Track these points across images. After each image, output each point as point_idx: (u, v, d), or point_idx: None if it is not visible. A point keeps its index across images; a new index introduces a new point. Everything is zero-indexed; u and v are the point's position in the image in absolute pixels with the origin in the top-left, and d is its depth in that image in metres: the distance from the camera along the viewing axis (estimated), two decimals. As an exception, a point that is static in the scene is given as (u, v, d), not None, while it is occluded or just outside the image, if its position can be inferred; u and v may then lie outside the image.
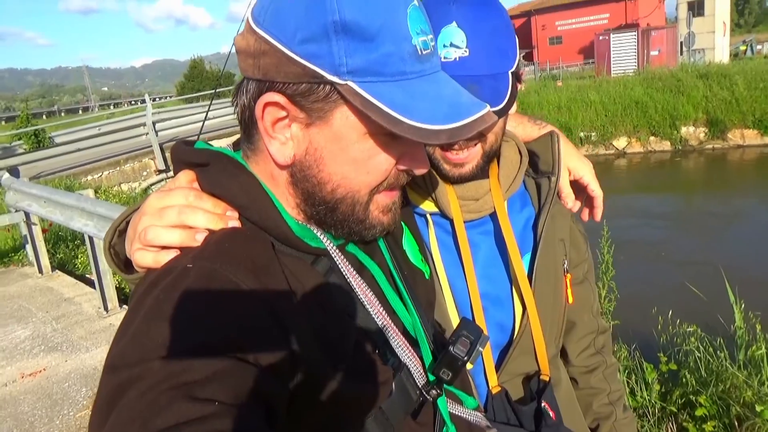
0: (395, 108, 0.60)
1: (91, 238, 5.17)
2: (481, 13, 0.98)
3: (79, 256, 7.37)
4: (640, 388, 3.06)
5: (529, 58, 49.91)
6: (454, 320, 1.11)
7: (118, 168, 13.40)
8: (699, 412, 2.77)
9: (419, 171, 0.71)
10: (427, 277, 0.93)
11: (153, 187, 13.52)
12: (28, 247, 7.06)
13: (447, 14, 0.96)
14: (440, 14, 0.96)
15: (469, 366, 1.09)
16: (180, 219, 0.68)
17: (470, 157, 1.05)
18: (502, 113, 0.96)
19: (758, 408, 2.65)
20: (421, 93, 0.63)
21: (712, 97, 18.01)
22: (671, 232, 10.90)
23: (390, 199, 0.74)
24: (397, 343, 0.76)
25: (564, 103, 19.40)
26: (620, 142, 18.58)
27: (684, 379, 3.10)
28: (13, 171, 8.66)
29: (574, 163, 1.23)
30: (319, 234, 0.72)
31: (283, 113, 0.65)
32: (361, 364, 0.71)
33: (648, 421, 2.90)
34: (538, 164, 1.21)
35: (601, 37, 26.95)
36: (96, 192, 10.61)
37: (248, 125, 0.70)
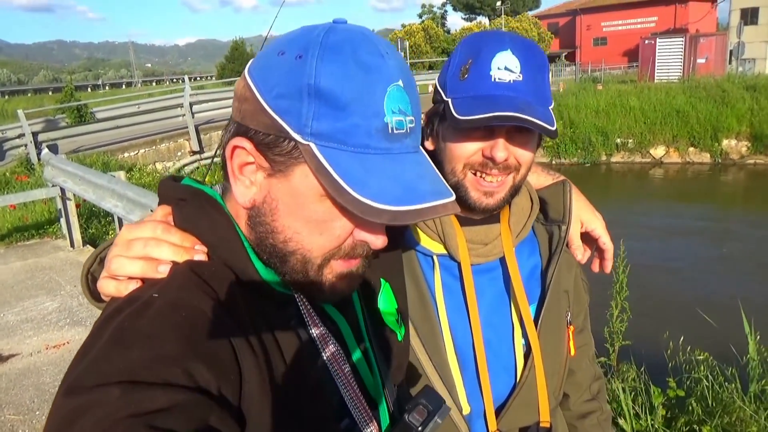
0: (346, 178, 0.61)
1: (120, 219, 5.33)
2: (531, 48, 1.04)
3: (110, 233, 7.61)
4: (645, 412, 3.04)
5: (571, 58, 48.96)
6: (453, 367, 1.12)
7: (154, 147, 13.70)
8: (702, 443, 2.74)
9: (376, 245, 0.70)
10: (399, 339, 0.91)
11: (186, 167, 13.80)
12: (62, 221, 7.32)
13: (502, 42, 1.02)
14: (495, 40, 1.03)
15: (465, 411, 1.10)
16: (145, 251, 0.70)
17: (502, 186, 1.06)
18: (555, 135, 1.00)
19: (762, 444, 2.61)
20: (379, 170, 0.63)
21: (759, 110, 17.41)
22: (695, 250, 10.63)
23: (347, 268, 0.72)
24: (354, 404, 0.75)
25: (602, 108, 18.99)
26: (658, 151, 18.14)
27: (690, 407, 3.06)
28: (53, 147, 8.96)
29: (587, 216, 1.24)
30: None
31: (251, 159, 0.68)
32: (311, 419, 0.70)
33: (649, 446, 2.89)
34: (549, 212, 1.22)
35: (646, 41, 26.24)
36: (131, 170, 10.92)
37: (225, 163, 0.72)
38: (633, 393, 3.19)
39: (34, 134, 12.12)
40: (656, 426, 2.95)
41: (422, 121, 1.16)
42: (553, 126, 0.99)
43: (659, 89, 20.17)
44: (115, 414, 0.52)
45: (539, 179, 1.27)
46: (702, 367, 3.25)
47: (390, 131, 0.64)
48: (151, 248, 0.70)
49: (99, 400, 0.53)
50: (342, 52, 0.63)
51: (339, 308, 0.80)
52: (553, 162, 18.53)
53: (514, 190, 1.09)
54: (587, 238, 1.25)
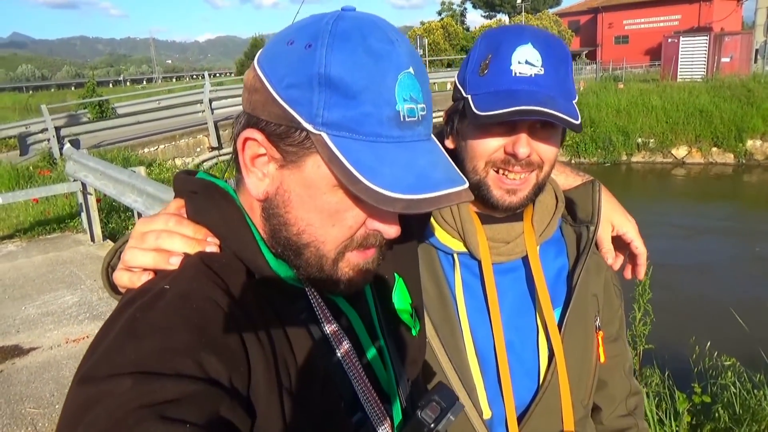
0: (358, 167, 0.61)
1: (140, 214, 5.37)
2: (551, 41, 1.01)
3: (130, 227, 7.67)
4: (669, 418, 2.97)
5: (592, 56, 48.46)
6: (474, 369, 1.09)
7: (173, 143, 13.82)
8: (728, 451, 2.67)
9: (389, 234, 0.69)
10: (414, 334, 0.90)
11: (205, 163, 13.90)
12: (83, 216, 7.41)
13: (522, 35, 1.00)
14: (515, 35, 1.00)
15: (486, 416, 1.07)
16: (157, 243, 0.71)
17: (525, 184, 1.03)
18: (579, 128, 0.97)
19: (792, 454, 2.54)
20: (391, 158, 0.62)
21: (785, 110, 17.05)
22: (721, 252, 10.44)
23: (362, 259, 0.71)
24: (367, 398, 0.75)
25: (624, 107, 18.76)
26: (680, 151, 17.86)
27: (716, 414, 2.99)
28: (75, 142, 9.08)
29: (619, 219, 1.20)
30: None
31: (262, 150, 0.68)
32: (320, 414, 0.70)
33: (674, 453, 2.82)
34: (577, 213, 1.18)
35: (669, 40, 25.81)
36: (150, 165, 11.03)
37: (236, 155, 0.72)
38: (657, 398, 3.13)
39: (57, 129, 12.30)
40: (681, 433, 2.89)
41: (442, 119, 1.14)
42: (577, 120, 0.96)
43: (682, 88, 19.85)
44: (127, 404, 0.53)
45: (568, 180, 1.24)
46: (729, 373, 3.17)
47: (402, 119, 0.64)
48: (163, 240, 0.71)
49: (111, 390, 0.54)
50: (351, 39, 0.62)
51: (352, 303, 0.79)
52: (573, 161, 18.33)
53: (538, 188, 1.05)
54: (619, 243, 1.21)
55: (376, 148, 0.62)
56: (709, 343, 3.39)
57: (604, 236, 1.18)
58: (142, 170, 5.83)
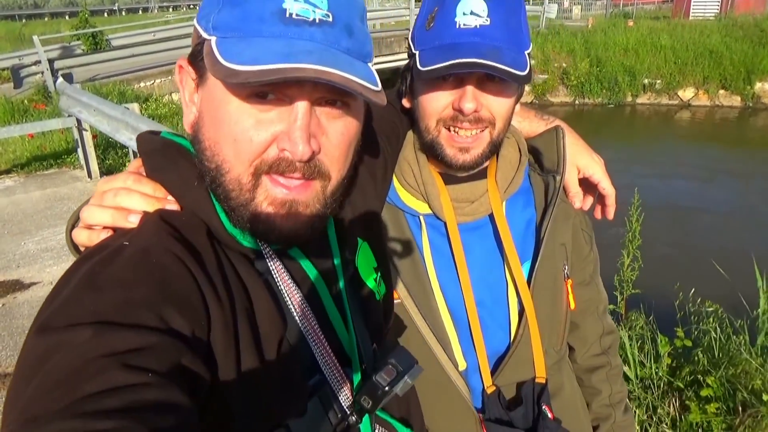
0: (225, 55, 0.61)
1: (135, 153, 5.34)
2: None
3: (126, 164, 7.63)
4: (650, 360, 3.06)
5: (602, -9, 46.63)
6: (448, 325, 1.11)
7: (169, 77, 13.53)
8: (704, 393, 2.76)
9: (295, 154, 0.65)
10: (378, 299, 0.89)
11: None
12: (80, 152, 7.37)
13: None
14: None
15: (461, 367, 1.10)
16: (115, 201, 0.71)
17: (477, 141, 1.03)
18: (524, 80, 0.96)
19: (765, 397, 2.63)
20: (265, 46, 0.61)
21: (798, 51, 16.58)
22: (714, 198, 10.41)
23: (285, 194, 0.68)
24: (325, 361, 0.75)
25: (632, 46, 18.20)
26: (686, 93, 17.49)
27: (696, 358, 3.08)
28: (68, 76, 8.88)
29: (585, 161, 1.19)
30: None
31: (191, 83, 0.71)
32: (277, 375, 0.69)
33: (652, 393, 2.92)
34: (543, 162, 1.17)
35: (684, -26, 24.80)
36: (147, 100, 10.85)
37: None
38: (640, 341, 3.21)
39: (51, 61, 12.00)
40: (660, 374, 2.98)
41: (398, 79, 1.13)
42: (523, 71, 0.94)
43: (694, 27, 19.23)
44: (88, 353, 0.52)
45: (532, 125, 1.22)
46: (712, 319, 3.24)
47: (287, 15, 0.63)
48: (122, 198, 0.71)
49: (70, 339, 0.54)
50: None
51: (316, 265, 0.79)
52: (577, 102, 18.02)
53: (493, 146, 1.05)
54: (587, 184, 1.21)
55: (254, 41, 0.62)
56: (693, 290, 3.44)
57: (571, 180, 1.18)
58: (135, 107, 5.75)
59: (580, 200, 1.19)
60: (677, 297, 3.51)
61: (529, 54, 1.00)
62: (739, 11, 21.73)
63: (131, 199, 0.70)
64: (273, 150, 0.67)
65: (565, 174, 1.14)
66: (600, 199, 1.22)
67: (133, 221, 0.69)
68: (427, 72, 0.96)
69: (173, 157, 0.73)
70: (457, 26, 0.96)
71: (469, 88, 0.97)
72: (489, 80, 0.97)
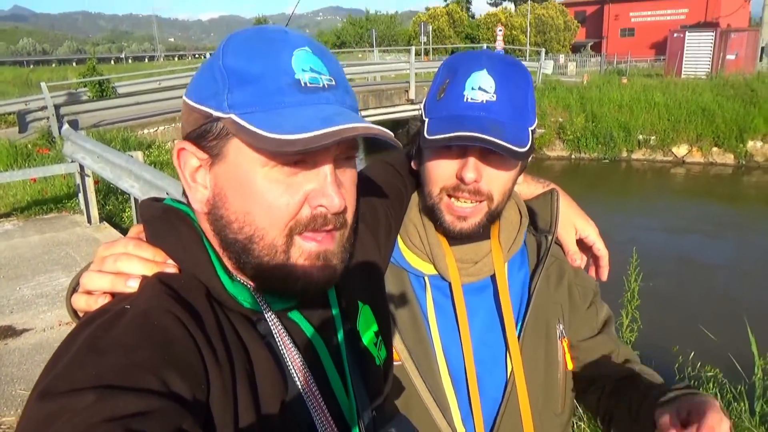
0: (262, 127, 0.63)
1: (136, 200, 5.38)
2: (509, 68, 1.04)
3: (126, 210, 7.68)
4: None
5: (597, 48, 48.11)
6: (448, 389, 1.11)
7: (173, 125, 13.75)
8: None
9: (333, 207, 0.69)
10: (378, 363, 0.89)
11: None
12: (81, 197, 7.41)
13: (478, 61, 1.03)
14: (473, 61, 1.04)
15: None
16: (115, 266, 0.72)
17: (474, 211, 1.06)
18: (523, 156, 0.99)
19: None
20: (296, 115, 0.65)
21: (788, 112, 16.98)
22: (712, 256, 10.44)
23: (317, 246, 0.71)
24: (324, 427, 0.74)
25: (626, 102, 18.67)
26: (680, 150, 17.82)
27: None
28: (74, 121, 9.05)
29: (581, 223, 1.23)
30: (257, 297, 0.73)
31: (196, 162, 0.71)
32: None
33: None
34: (538, 222, 1.21)
35: (675, 34, 25.62)
36: (149, 147, 10.99)
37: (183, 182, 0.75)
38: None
39: (57, 107, 12.24)
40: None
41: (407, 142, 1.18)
42: (523, 147, 0.98)
43: (686, 85, 19.76)
44: (91, 418, 0.52)
45: (529, 188, 1.27)
46: (711, 384, 3.20)
47: (303, 85, 0.67)
48: (122, 263, 0.72)
49: (73, 405, 0.53)
50: (246, 35, 0.70)
51: (316, 328, 0.79)
52: (573, 156, 18.30)
53: (491, 216, 1.08)
54: (582, 246, 1.24)
55: (281, 112, 0.65)
56: (693, 353, 3.41)
57: (569, 239, 1.21)
58: (140, 155, 5.82)
59: (579, 259, 1.22)
60: (676, 359, 3.47)
61: (532, 130, 1.04)
62: (730, 71, 22.38)
63: (131, 264, 0.71)
64: (306, 210, 0.69)
65: (555, 232, 1.17)
66: (594, 260, 1.25)
67: (132, 286, 0.69)
68: (431, 141, 1.00)
69: (174, 223, 0.74)
70: (465, 99, 1.01)
71: (471, 159, 1.01)
72: (491, 153, 1.00)
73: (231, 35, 0.71)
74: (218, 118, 0.67)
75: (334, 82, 0.69)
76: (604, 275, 1.25)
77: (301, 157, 0.67)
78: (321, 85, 0.68)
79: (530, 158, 1.10)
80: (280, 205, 0.68)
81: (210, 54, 0.80)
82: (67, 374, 0.57)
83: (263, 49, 0.67)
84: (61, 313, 4.77)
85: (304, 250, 0.70)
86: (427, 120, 1.05)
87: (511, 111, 1.01)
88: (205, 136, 0.68)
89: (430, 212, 1.10)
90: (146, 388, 0.56)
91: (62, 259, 6.06)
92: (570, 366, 1.19)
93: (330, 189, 0.69)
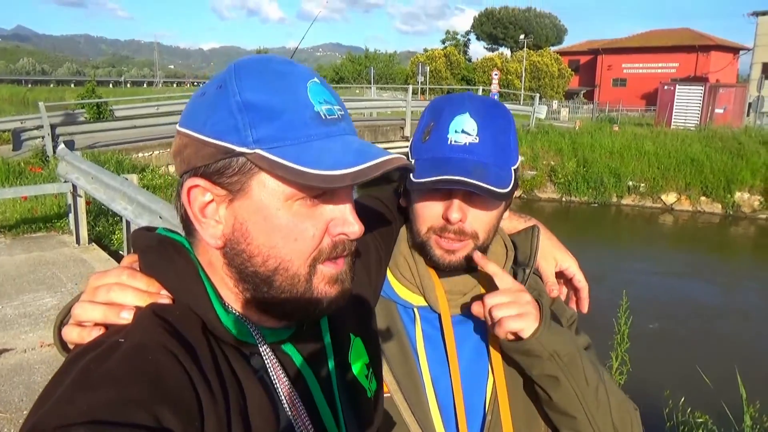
0: (300, 162, 0.64)
1: (128, 222, 5.35)
2: (492, 111, 1.08)
3: (117, 232, 7.62)
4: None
5: (589, 96, 49.18)
6: (436, 421, 1.10)
7: (168, 149, 13.79)
8: None
9: (354, 232, 0.71)
10: (369, 396, 0.89)
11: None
12: (71, 217, 7.36)
13: (462, 105, 1.07)
14: (456, 104, 1.08)
15: None
16: (108, 296, 0.70)
17: (462, 247, 1.08)
18: (505, 197, 1.02)
19: None
20: (327, 148, 0.66)
21: (773, 166, 17.35)
22: (701, 302, 10.49)
23: (336, 270, 0.73)
24: None
25: (617, 149, 19.00)
26: (669, 197, 18.07)
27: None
28: (70, 142, 9.05)
29: (561, 255, 1.26)
30: (252, 329, 0.72)
31: (209, 196, 0.69)
32: None
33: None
34: (518, 256, 1.24)
35: (666, 87, 26.31)
36: (143, 170, 10.99)
37: (185, 220, 0.72)
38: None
39: (53, 127, 12.22)
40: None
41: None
42: (505, 188, 1.01)
43: (675, 136, 20.18)
44: None
45: (512, 223, 1.30)
46: (701, 431, 3.17)
47: (324, 117, 0.68)
48: (114, 293, 0.70)
49: None
50: (255, 68, 0.68)
51: (308, 361, 0.79)
52: (563, 199, 18.49)
53: (480, 250, 1.10)
54: (564, 278, 1.27)
55: (310, 145, 0.66)
56: (683, 399, 3.40)
57: (548, 270, 1.24)
58: (134, 178, 5.81)
59: (556, 289, 1.24)
60: (666, 404, 3.45)
61: (515, 169, 1.08)
62: (718, 124, 22.91)
63: (125, 295, 0.70)
64: (327, 239, 0.70)
65: (533, 265, 1.20)
66: (575, 293, 1.28)
67: (125, 317, 0.68)
68: (417, 184, 1.04)
69: (169, 254, 0.73)
70: (449, 142, 1.05)
71: (456, 201, 1.04)
72: (474, 194, 1.04)
73: (237, 67, 0.69)
74: (241, 153, 0.65)
75: (343, 113, 0.71)
76: (585, 307, 1.27)
77: (324, 191, 0.68)
78: (336, 116, 0.69)
79: (517, 195, 1.13)
80: (306, 237, 0.69)
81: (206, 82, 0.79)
82: (58, 409, 0.56)
83: (280, 82, 0.67)
84: (43, 333, 4.68)
85: (325, 276, 0.72)
86: (413, 161, 1.09)
87: (494, 151, 1.05)
88: (223, 172, 0.66)
89: (420, 248, 1.13)
90: (138, 423, 0.55)
91: (48, 279, 5.98)
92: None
93: (351, 216, 0.71)
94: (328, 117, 0.68)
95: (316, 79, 0.70)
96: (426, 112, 1.14)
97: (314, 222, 0.69)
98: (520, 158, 1.09)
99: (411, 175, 1.05)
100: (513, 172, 1.07)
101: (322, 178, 0.63)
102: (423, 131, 1.10)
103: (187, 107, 0.72)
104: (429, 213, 1.08)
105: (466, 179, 0.98)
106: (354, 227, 0.71)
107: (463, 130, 1.04)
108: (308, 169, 0.63)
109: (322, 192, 0.68)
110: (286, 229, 0.68)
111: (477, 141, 1.03)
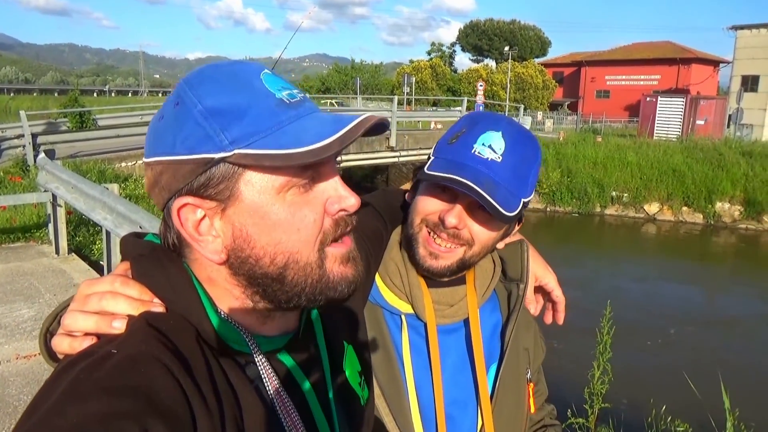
0: (283, 147, 0.63)
1: (108, 233, 5.28)
2: (524, 140, 1.08)
3: (97, 243, 7.52)
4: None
5: (573, 107, 49.78)
6: (417, 427, 1.11)
7: (152, 159, 13.69)
8: None
9: (352, 206, 0.71)
10: (362, 404, 0.89)
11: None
12: (50, 227, 7.25)
13: (498, 123, 1.08)
14: (493, 121, 1.08)
15: None
16: (100, 305, 0.68)
17: (449, 254, 1.08)
18: (506, 220, 1.02)
19: None
20: (303, 127, 0.65)
21: (753, 176, 17.67)
22: (684, 311, 10.59)
23: (345, 248, 0.73)
24: None
25: (600, 160, 19.23)
26: (652, 208, 18.30)
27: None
28: (50, 152, 8.94)
29: (541, 271, 1.29)
30: (247, 338, 0.71)
31: (200, 213, 0.67)
32: None
33: None
34: (507, 271, 1.25)
35: (648, 99, 26.72)
36: (126, 180, 10.88)
37: (178, 244, 0.71)
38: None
39: (34, 136, 12.07)
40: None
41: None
42: (509, 212, 1.01)
43: (657, 146, 20.48)
44: None
45: None
46: (682, 440, 3.18)
47: (288, 102, 0.67)
48: (107, 302, 0.68)
49: None
50: (206, 75, 0.68)
51: (304, 370, 0.78)
52: (548, 209, 18.63)
53: (463, 264, 1.10)
54: (541, 292, 1.32)
55: (285, 130, 0.65)
56: (664, 407, 3.41)
57: (528, 287, 1.25)
58: (115, 188, 5.75)
59: (534, 307, 1.29)
60: (649, 412, 3.46)
61: (525, 202, 1.07)
62: (699, 135, 23.29)
63: (117, 304, 0.68)
64: (328, 221, 0.70)
65: (528, 283, 1.22)
66: (552, 305, 1.32)
67: (117, 327, 0.66)
68: (427, 175, 1.05)
69: (162, 262, 0.72)
70: (473, 151, 1.05)
71: (458, 207, 1.04)
72: (478, 208, 1.03)
73: (187, 80, 0.68)
74: (221, 159, 0.64)
75: (303, 95, 0.71)
76: (561, 319, 1.31)
77: (311, 174, 0.68)
78: (299, 99, 0.69)
79: (515, 228, 1.15)
80: (308, 224, 0.68)
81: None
82: (48, 421, 0.54)
83: (235, 81, 0.67)
84: (19, 346, 4.59)
85: (336, 257, 0.71)
86: (432, 158, 1.10)
87: (511, 176, 1.05)
88: (207, 184, 0.65)
89: (407, 241, 1.13)
90: None
91: (25, 290, 5.87)
92: (533, 409, 1.23)
93: (344, 191, 0.71)
94: (291, 101, 0.68)
95: (267, 71, 0.70)
96: (463, 119, 1.14)
97: (311, 207, 0.68)
98: (533, 196, 1.09)
99: (426, 167, 1.06)
100: (522, 203, 1.06)
101: (310, 152, 0.62)
102: (452, 134, 1.10)
103: (149, 136, 0.70)
104: (428, 207, 1.09)
105: (473, 186, 0.99)
106: (350, 200, 0.70)
107: (491, 145, 1.04)
108: (293, 150, 0.62)
109: (310, 174, 0.68)
110: (286, 222, 0.67)
111: (500, 161, 1.04)
